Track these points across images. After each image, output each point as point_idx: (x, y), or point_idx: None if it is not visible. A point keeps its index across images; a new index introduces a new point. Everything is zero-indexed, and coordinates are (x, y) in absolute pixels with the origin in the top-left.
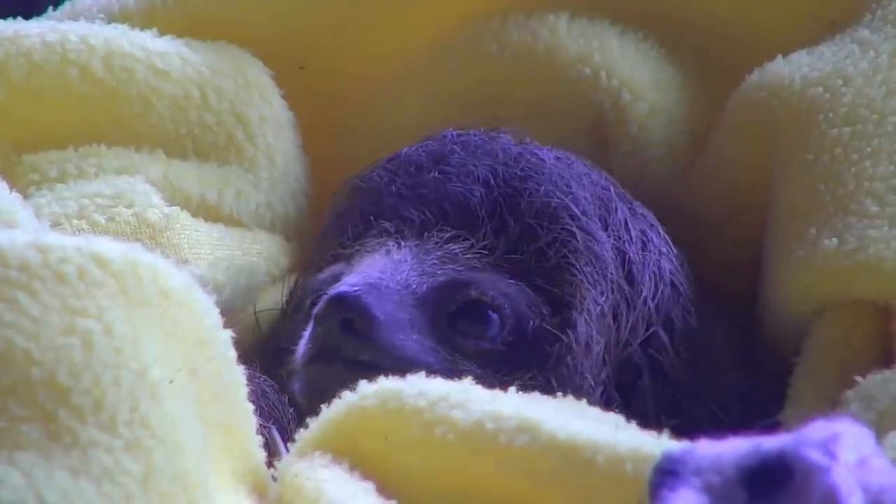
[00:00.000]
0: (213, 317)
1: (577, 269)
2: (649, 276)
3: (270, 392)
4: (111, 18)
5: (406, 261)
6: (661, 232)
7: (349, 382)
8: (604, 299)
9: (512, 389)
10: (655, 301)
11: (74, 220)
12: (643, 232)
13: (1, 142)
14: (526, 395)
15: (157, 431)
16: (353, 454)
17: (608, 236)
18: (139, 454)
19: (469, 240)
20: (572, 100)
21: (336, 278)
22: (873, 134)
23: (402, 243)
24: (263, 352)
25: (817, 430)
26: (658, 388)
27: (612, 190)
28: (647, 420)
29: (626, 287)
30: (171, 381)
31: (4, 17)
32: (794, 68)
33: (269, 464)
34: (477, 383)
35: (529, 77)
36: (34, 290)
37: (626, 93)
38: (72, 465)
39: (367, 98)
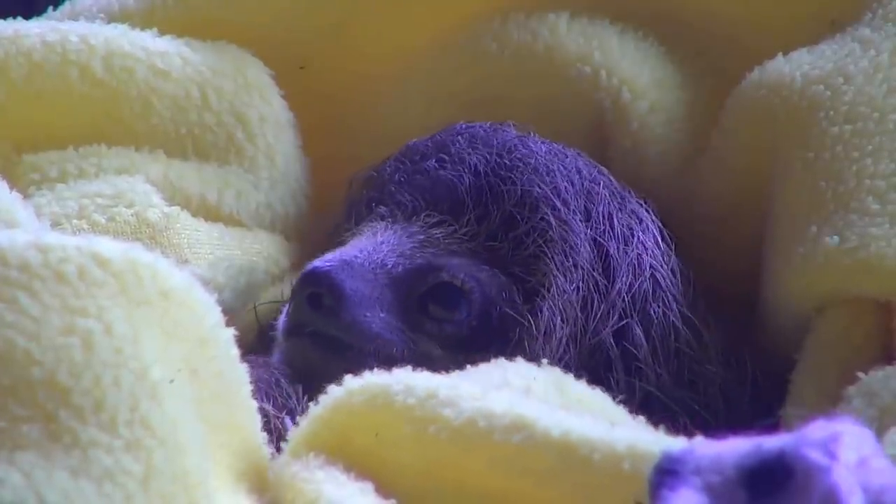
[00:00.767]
0: (215, 316)
1: (549, 257)
2: (627, 269)
3: (283, 382)
4: (111, 18)
5: (388, 242)
6: (654, 229)
7: (318, 356)
8: (572, 287)
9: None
10: (631, 294)
11: (75, 220)
12: (629, 227)
13: (1, 142)
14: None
15: (157, 431)
16: (346, 453)
17: (588, 228)
18: (139, 454)
19: (453, 225)
20: (572, 98)
21: None
22: (874, 132)
23: (390, 226)
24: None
25: (818, 429)
26: (630, 381)
27: (603, 184)
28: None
29: (599, 278)
30: (172, 381)
31: (4, 17)
32: (795, 66)
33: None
34: (438, 364)
35: (530, 76)
36: (34, 290)
37: (627, 91)
38: (72, 466)
39: (368, 97)
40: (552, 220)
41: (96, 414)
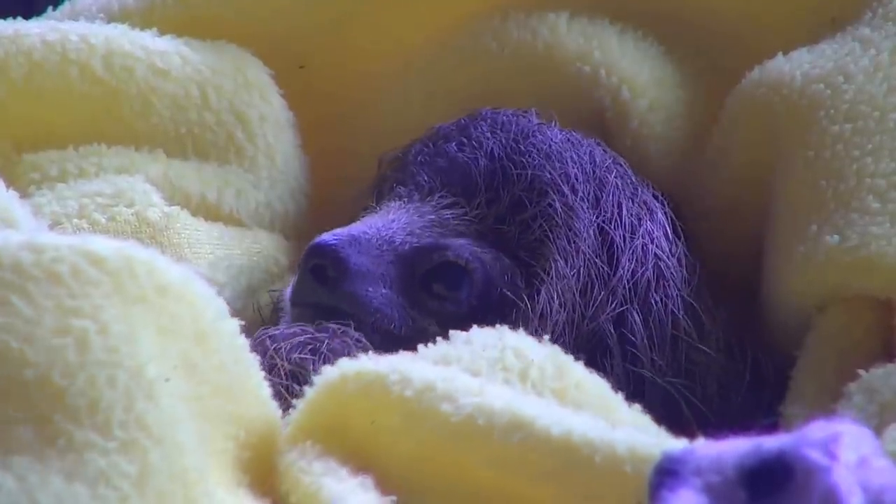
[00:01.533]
0: (215, 308)
1: (552, 241)
2: (630, 257)
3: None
4: (111, 18)
5: (398, 220)
6: (664, 220)
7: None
8: (573, 273)
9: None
10: (633, 282)
11: (75, 220)
12: (638, 216)
13: (1, 141)
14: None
15: (153, 431)
16: (343, 440)
17: (595, 215)
18: (135, 455)
19: (464, 207)
20: (572, 97)
21: None
22: (874, 131)
23: (405, 206)
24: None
25: (817, 429)
26: (627, 367)
27: (616, 173)
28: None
29: (602, 265)
30: (168, 380)
31: (4, 17)
32: (795, 65)
33: None
34: (434, 339)
35: (529, 74)
36: (28, 292)
37: (626, 90)
38: (66, 469)
39: (368, 94)
40: (558, 205)
41: (91, 415)
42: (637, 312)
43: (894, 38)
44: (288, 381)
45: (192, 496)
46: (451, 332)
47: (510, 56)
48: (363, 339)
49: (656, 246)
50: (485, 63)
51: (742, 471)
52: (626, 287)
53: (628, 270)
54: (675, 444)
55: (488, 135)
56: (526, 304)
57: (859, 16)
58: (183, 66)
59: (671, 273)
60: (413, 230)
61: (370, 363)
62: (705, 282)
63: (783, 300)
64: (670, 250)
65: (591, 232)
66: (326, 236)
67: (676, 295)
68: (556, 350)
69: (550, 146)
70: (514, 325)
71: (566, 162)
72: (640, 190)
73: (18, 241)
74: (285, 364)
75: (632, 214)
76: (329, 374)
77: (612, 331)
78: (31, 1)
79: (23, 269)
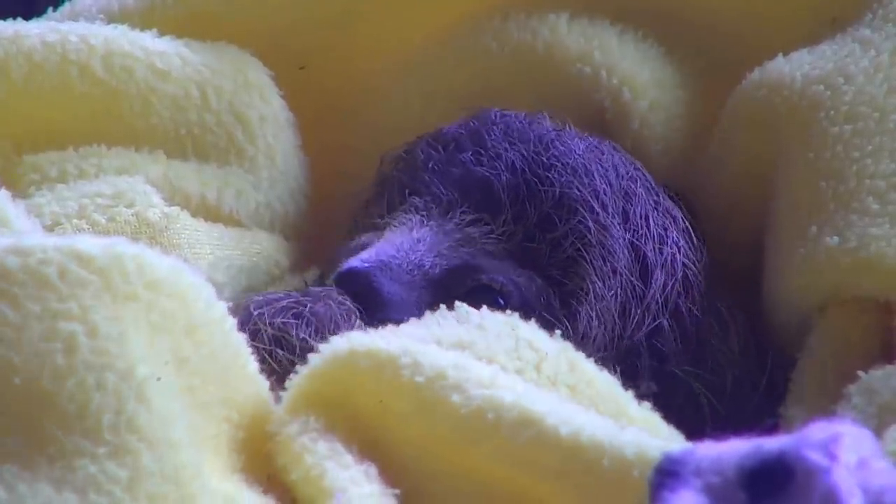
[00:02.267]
0: (205, 298)
1: (587, 261)
2: (662, 271)
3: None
4: (111, 18)
5: (424, 240)
6: (684, 224)
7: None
8: (611, 294)
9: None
10: (665, 295)
11: (75, 220)
12: (664, 227)
13: (1, 142)
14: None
15: (144, 433)
16: (348, 416)
17: (626, 231)
18: (126, 459)
19: (489, 224)
20: (572, 97)
21: (364, 248)
22: (874, 132)
23: (426, 222)
24: None
25: (818, 430)
26: (655, 367)
27: (640, 182)
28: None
29: (637, 282)
30: (159, 379)
31: (4, 17)
32: (795, 66)
33: None
34: None
35: (530, 74)
36: (14, 297)
37: (627, 91)
38: (56, 477)
39: (369, 92)
40: (591, 223)
41: (80, 420)
42: (668, 321)
43: (894, 39)
44: (271, 346)
45: (186, 494)
46: (462, 309)
47: (510, 56)
48: (347, 303)
49: (682, 255)
50: (485, 63)
51: (742, 472)
52: (659, 300)
53: (660, 284)
54: (676, 445)
55: (505, 144)
56: (567, 326)
57: (860, 17)
58: (183, 67)
59: (696, 279)
60: (440, 251)
61: (382, 342)
62: (716, 280)
63: (784, 300)
64: (695, 256)
65: (625, 250)
66: (356, 262)
67: (699, 298)
68: (567, 345)
69: (574, 158)
70: None
71: (593, 176)
72: (661, 197)
73: (4, 245)
74: (268, 329)
75: (658, 225)
76: (337, 346)
77: (645, 342)
78: (31, 1)
79: (9, 273)
